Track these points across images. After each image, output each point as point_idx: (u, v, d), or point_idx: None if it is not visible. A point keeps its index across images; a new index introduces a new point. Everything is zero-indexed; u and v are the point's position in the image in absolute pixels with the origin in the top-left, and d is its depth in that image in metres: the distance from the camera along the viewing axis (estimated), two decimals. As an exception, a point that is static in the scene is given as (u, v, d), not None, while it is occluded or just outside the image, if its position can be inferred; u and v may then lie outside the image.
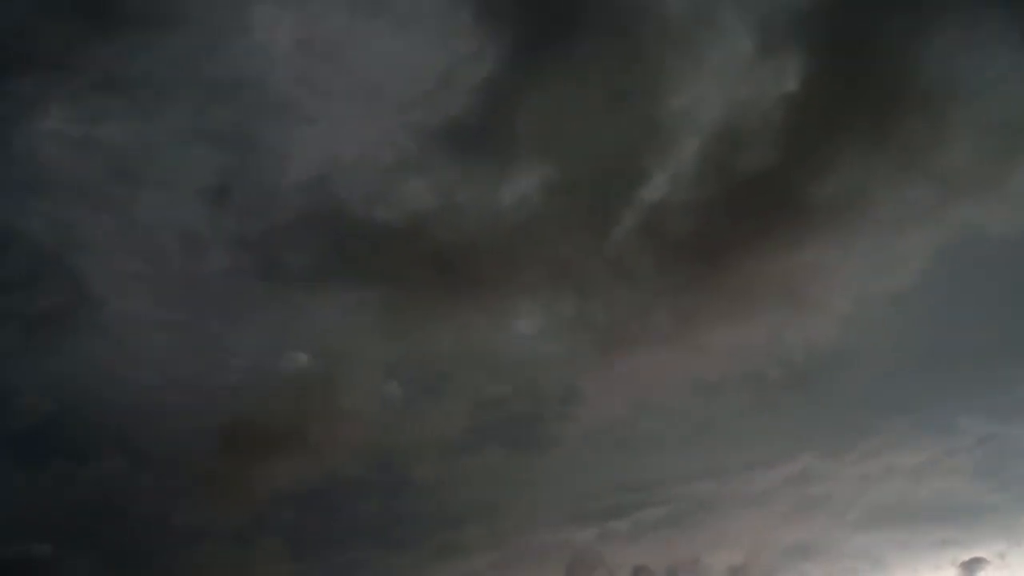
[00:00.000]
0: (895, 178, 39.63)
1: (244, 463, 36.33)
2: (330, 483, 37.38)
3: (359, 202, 39.28)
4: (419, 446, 38.50)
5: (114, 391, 37.07)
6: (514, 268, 39.89)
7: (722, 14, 40.42)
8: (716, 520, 40.41)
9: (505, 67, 39.29)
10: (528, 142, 40.18)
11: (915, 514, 39.89)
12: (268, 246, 38.90)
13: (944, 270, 40.08)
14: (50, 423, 35.38)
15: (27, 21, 36.57)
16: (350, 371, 38.26)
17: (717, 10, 40.10)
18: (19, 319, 36.48)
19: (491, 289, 39.58)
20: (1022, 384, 39.73)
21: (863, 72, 39.84)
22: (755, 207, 39.91)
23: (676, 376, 40.41)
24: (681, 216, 40.31)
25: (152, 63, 38.40)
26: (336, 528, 37.95)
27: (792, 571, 38.70)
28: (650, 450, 41.28)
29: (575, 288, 40.49)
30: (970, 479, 40.31)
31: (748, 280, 40.29)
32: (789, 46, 40.04)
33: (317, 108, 40.37)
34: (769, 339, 40.71)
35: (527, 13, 40.11)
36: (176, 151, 39.41)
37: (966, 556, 38.46)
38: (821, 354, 40.71)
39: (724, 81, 41.26)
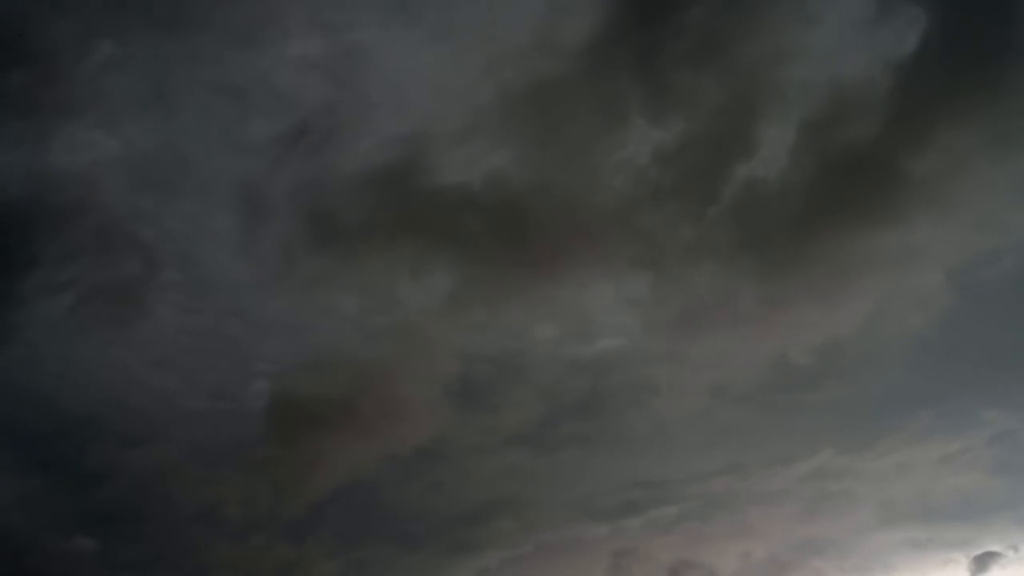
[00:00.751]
0: (996, 151, 37.26)
1: (290, 452, 35.04)
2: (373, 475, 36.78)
3: (434, 166, 36.06)
4: (474, 439, 37.66)
5: (163, 376, 35.40)
6: (598, 243, 37.48)
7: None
8: (733, 517, 40.44)
9: (605, 25, 35.35)
10: (627, 107, 36.76)
11: (933, 510, 40.51)
12: (332, 210, 35.88)
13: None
14: (94, 412, 33.87)
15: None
16: (414, 354, 36.42)
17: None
18: (78, 292, 33.93)
19: (569, 265, 37.19)
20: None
21: (981, 33, 36.78)
22: (853, 181, 37.78)
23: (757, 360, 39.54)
24: (779, 190, 38.06)
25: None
26: (374, 523, 37.68)
27: (806, 568, 39.38)
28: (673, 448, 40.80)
29: (657, 266, 38.29)
30: (990, 474, 40.78)
31: (832, 262, 38.56)
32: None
33: (395, 61, 35.92)
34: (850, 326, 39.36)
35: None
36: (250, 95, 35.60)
37: (980, 551, 39.75)
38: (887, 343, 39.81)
39: (841, 43, 37.80)
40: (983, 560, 39.51)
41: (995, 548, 39.62)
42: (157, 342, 35.45)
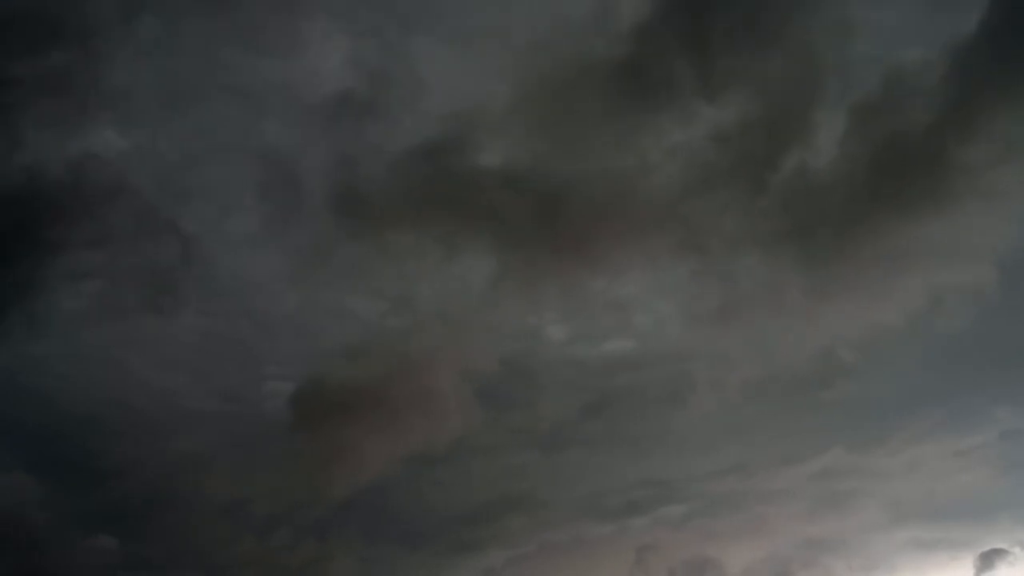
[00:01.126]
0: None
1: (309, 451, 34.13)
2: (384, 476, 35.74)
3: (474, 148, 34.46)
4: (495, 439, 36.80)
5: (180, 375, 35.01)
6: (640, 233, 36.11)
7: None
8: (740, 515, 40.17)
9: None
10: (677, 90, 35.01)
11: (941, 508, 40.37)
12: (362, 194, 34.34)
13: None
14: (116, 405, 33.64)
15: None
16: (448, 345, 35.25)
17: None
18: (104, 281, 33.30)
19: (608, 256, 36.06)
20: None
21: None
22: (902, 169, 36.43)
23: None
24: (830, 179, 36.79)
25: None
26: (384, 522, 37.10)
27: (815, 565, 39.05)
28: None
29: (699, 254, 36.99)
30: (1000, 472, 40.53)
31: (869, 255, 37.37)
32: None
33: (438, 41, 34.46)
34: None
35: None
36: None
37: (987, 548, 39.62)
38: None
39: (899, 23, 36.66)
40: (989, 557, 39.45)
41: (1002, 545, 39.52)
42: (175, 340, 35.11)
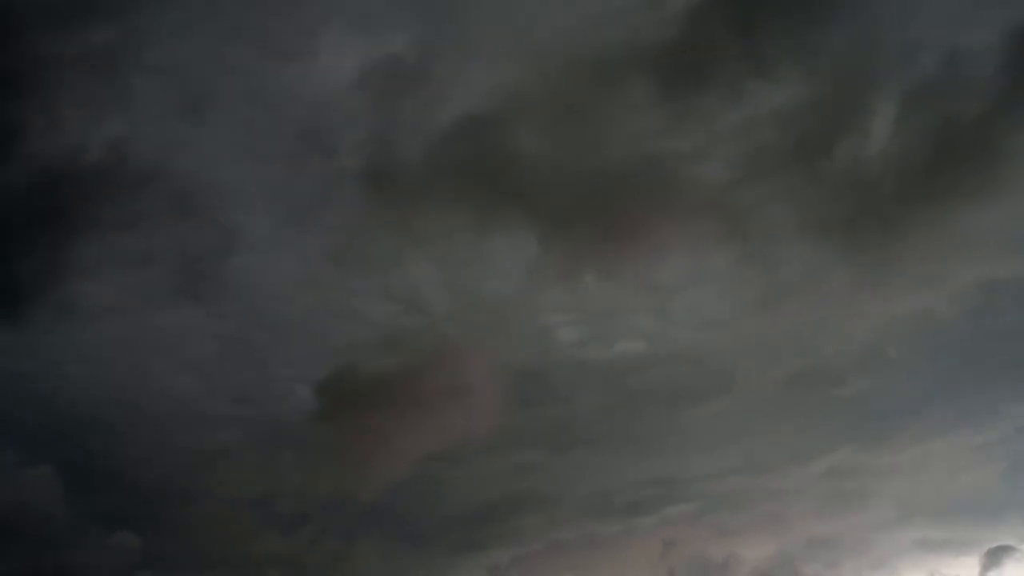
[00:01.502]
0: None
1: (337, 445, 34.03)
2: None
3: (516, 130, 33.66)
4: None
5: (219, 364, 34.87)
6: (684, 218, 35.66)
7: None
8: (749, 513, 40.04)
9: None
10: (731, 72, 34.19)
11: (950, 505, 40.39)
12: (404, 174, 34.02)
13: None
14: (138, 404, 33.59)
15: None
16: (470, 343, 35.03)
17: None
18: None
19: (649, 246, 35.52)
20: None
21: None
22: (952, 159, 35.68)
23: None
24: (882, 165, 36.26)
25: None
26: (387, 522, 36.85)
27: (823, 563, 39.13)
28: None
29: (742, 243, 36.41)
30: (1009, 469, 40.46)
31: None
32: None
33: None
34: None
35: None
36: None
37: (995, 545, 39.74)
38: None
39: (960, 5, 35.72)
40: (996, 554, 39.50)
41: (1009, 543, 39.50)
42: (198, 339, 35.03)
